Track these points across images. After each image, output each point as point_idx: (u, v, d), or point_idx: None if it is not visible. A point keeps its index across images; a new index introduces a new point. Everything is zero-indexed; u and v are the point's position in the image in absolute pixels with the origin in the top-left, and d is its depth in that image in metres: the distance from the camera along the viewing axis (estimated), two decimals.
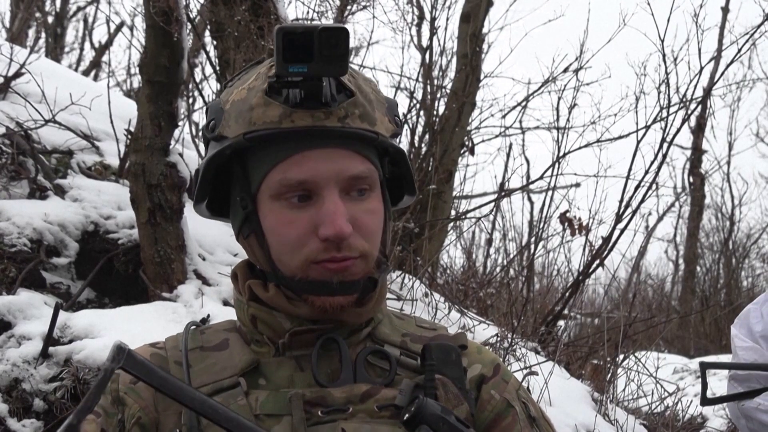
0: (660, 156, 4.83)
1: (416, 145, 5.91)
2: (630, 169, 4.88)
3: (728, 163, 13.44)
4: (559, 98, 6.20)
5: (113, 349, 0.79)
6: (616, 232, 4.83)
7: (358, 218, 0.93)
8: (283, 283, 0.95)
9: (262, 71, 0.96)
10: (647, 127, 4.98)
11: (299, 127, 0.90)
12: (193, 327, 1.03)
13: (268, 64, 0.97)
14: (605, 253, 4.90)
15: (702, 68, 4.92)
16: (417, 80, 6.15)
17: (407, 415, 0.89)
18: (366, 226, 0.94)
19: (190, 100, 5.33)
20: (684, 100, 4.95)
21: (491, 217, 8.07)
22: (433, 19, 6.34)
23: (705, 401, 1.81)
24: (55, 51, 11.14)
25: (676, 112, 4.91)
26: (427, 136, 5.93)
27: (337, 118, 0.91)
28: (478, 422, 0.99)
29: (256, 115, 0.91)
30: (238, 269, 1.04)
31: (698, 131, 12.60)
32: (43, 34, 11.37)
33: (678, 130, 4.94)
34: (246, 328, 1.01)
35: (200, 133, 1.05)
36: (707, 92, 6.32)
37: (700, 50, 4.96)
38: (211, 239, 3.65)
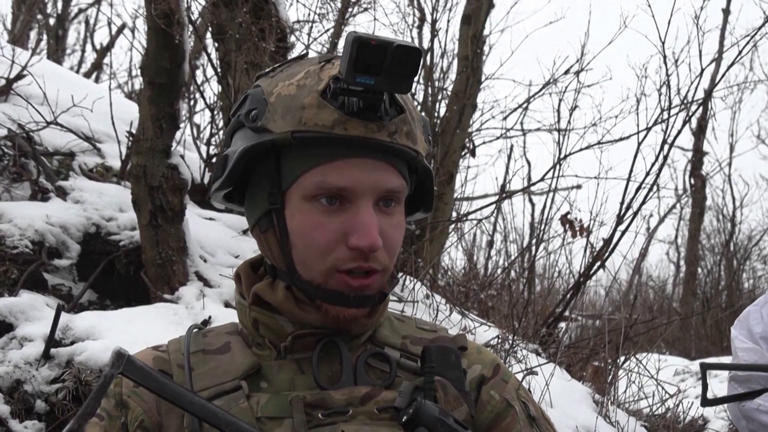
0: (661, 158, 4.84)
1: None
2: (631, 171, 4.89)
3: (729, 164, 13.44)
4: (560, 100, 6.20)
5: (113, 354, 0.79)
6: (617, 234, 4.84)
7: (386, 231, 0.94)
8: (298, 285, 0.95)
9: (312, 69, 0.94)
10: (648, 129, 4.98)
11: (351, 135, 0.90)
12: (195, 330, 1.04)
13: (319, 64, 0.95)
14: (606, 254, 4.90)
15: (703, 70, 4.93)
16: (418, 82, 6.15)
17: (405, 417, 0.89)
18: (392, 240, 0.95)
19: (192, 102, 5.34)
20: (685, 101, 4.96)
21: (492, 219, 8.09)
22: (434, 21, 6.36)
23: (706, 402, 1.81)
24: (57, 53, 11.15)
25: (677, 113, 4.92)
26: None
27: (387, 133, 0.91)
28: (478, 422, 0.99)
29: (308, 115, 0.90)
30: (241, 270, 1.04)
31: (699, 133, 12.59)
32: (45, 36, 11.39)
33: (679, 132, 4.95)
34: (247, 331, 1.01)
35: (230, 118, 1.02)
36: (708, 94, 6.33)
37: (701, 52, 4.97)
38: (212, 241, 3.66)
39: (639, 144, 4.89)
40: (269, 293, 0.97)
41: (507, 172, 7.88)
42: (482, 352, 1.07)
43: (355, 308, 0.94)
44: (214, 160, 4.40)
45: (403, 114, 0.94)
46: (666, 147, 4.84)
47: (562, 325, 5.27)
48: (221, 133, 4.84)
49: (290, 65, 0.98)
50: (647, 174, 4.81)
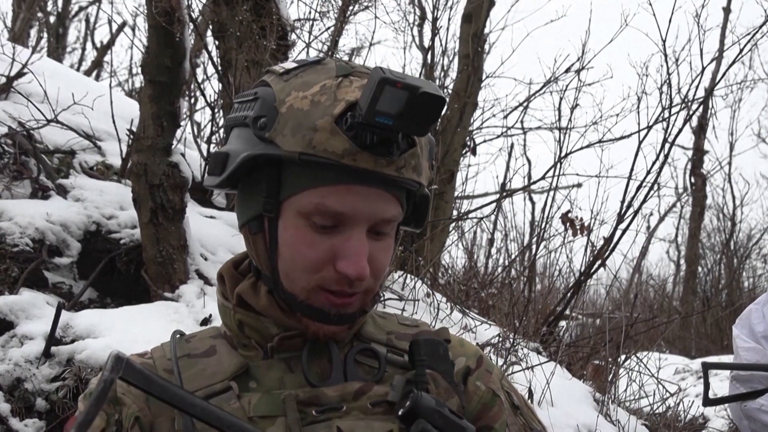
0: (662, 156, 4.84)
1: None
2: (632, 170, 4.88)
3: (729, 163, 13.44)
4: (561, 98, 6.19)
5: (111, 359, 0.78)
6: (618, 233, 4.84)
7: (374, 256, 0.93)
8: (280, 295, 0.96)
9: (329, 84, 0.91)
10: (649, 128, 4.98)
11: (359, 167, 0.88)
12: (178, 336, 1.04)
13: (336, 79, 0.92)
14: (607, 253, 4.90)
15: (704, 69, 4.93)
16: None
17: (402, 410, 0.89)
18: (379, 263, 0.94)
19: (192, 100, 5.33)
20: (685, 100, 4.96)
21: (493, 218, 8.10)
22: (434, 20, 6.36)
23: (707, 402, 1.81)
24: (57, 51, 11.15)
25: (677, 112, 4.92)
26: None
27: (395, 167, 0.90)
28: (466, 413, 1.00)
29: (319, 139, 0.88)
30: (224, 271, 1.03)
31: (700, 132, 12.59)
32: (45, 34, 11.40)
33: (680, 131, 4.96)
34: (232, 333, 1.01)
35: (231, 111, 1.00)
36: (709, 93, 6.33)
37: (701, 51, 4.98)
38: (212, 239, 3.66)
39: (640, 142, 4.89)
40: (252, 297, 0.98)
41: (507, 170, 7.90)
42: (464, 344, 1.08)
43: (335, 326, 0.94)
44: None
45: (413, 148, 0.92)
46: (667, 146, 4.84)
47: (563, 323, 5.27)
48: (222, 131, 4.84)
49: (305, 70, 0.95)
50: (648, 172, 4.81)
